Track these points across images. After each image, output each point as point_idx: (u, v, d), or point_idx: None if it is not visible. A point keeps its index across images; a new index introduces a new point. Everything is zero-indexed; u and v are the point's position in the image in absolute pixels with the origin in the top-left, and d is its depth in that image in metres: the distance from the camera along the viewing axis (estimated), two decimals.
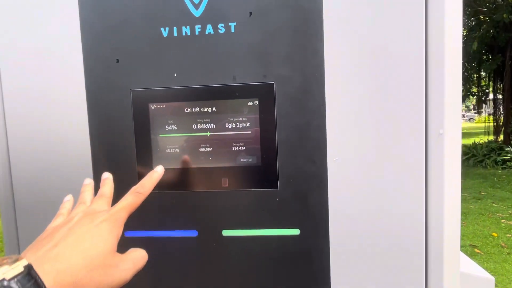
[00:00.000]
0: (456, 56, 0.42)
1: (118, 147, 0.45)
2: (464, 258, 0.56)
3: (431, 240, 0.43)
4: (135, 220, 0.45)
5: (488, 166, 5.59)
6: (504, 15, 5.30)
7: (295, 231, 0.44)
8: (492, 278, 0.52)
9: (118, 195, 0.40)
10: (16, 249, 0.48)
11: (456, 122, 0.43)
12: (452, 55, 0.41)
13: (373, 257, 0.43)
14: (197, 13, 0.42)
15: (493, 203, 3.65)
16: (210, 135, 0.44)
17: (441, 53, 0.40)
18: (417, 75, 0.41)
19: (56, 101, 0.45)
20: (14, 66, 0.45)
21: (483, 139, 7.14)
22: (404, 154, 0.42)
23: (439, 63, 0.41)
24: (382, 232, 0.42)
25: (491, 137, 7.37)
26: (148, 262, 0.46)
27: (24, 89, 0.45)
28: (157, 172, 0.37)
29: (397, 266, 0.43)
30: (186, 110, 0.44)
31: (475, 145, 6.40)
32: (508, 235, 2.87)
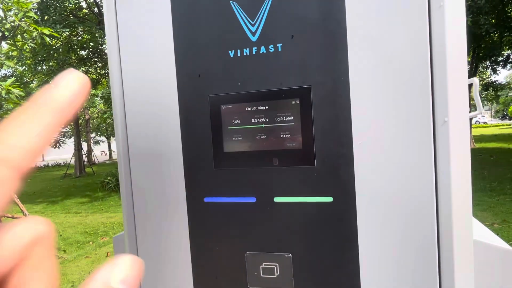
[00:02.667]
0: (460, 57, 0.52)
1: (200, 137, 0.63)
2: (482, 228, 0.63)
3: (441, 208, 0.53)
4: (212, 189, 0.62)
5: None
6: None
7: (329, 199, 0.57)
8: (510, 248, 0.58)
9: (197, 173, 0.58)
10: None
11: (462, 111, 0.53)
12: (454, 57, 0.51)
13: (390, 219, 0.54)
14: (254, 38, 0.59)
15: None
16: (264, 126, 0.59)
17: (443, 60, 0.51)
18: (423, 75, 0.52)
19: (158, 104, 0.65)
20: (133, 77, 0.66)
21: None
22: (415, 138, 0.53)
23: (442, 68, 0.51)
24: (398, 199, 0.54)
25: None
26: (220, 221, 0.63)
27: (143, 96, 0.65)
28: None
29: (411, 229, 0.54)
30: (247, 109, 0.60)
31: None
32: None
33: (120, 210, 6.26)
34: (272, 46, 0.58)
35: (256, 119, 0.59)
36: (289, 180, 0.59)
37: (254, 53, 0.58)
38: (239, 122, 0.60)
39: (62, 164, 16.39)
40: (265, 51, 0.58)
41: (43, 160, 22.30)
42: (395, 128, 0.53)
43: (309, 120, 0.57)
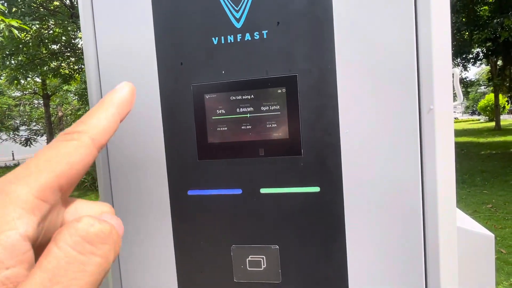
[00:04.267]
0: (444, 46, 0.52)
1: (182, 127, 0.60)
2: (464, 216, 0.64)
3: (427, 197, 0.53)
4: (196, 182, 0.60)
5: None
6: None
7: (316, 189, 0.56)
8: (492, 235, 0.60)
9: (180, 165, 0.55)
10: None
11: (447, 100, 0.53)
12: (439, 46, 0.52)
13: (377, 208, 0.54)
14: (238, 25, 0.57)
15: None
16: (249, 116, 0.58)
17: (429, 48, 0.51)
18: (409, 63, 0.52)
19: (138, 94, 0.62)
20: (111, 66, 0.63)
21: None
22: (401, 126, 0.53)
23: (427, 56, 0.51)
24: (384, 188, 0.54)
25: None
26: (205, 214, 0.61)
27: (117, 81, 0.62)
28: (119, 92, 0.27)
29: (397, 218, 0.54)
30: (231, 98, 0.58)
31: None
32: None
33: None
34: (257, 33, 0.56)
35: (241, 109, 0.58)
36: (275, 170, 0.58)
37: (238, 40, 0.57)
38: (224, 111, 0.59)
39: None
40: (250, 38, 0.56)
41: (13, 158, 21.36)
42: (381, 116, 0.53)
43: (296, 109, 0.56)
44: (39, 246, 0.21)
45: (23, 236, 0.19)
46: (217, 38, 0.57)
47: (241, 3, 0.56)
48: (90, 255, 0.19)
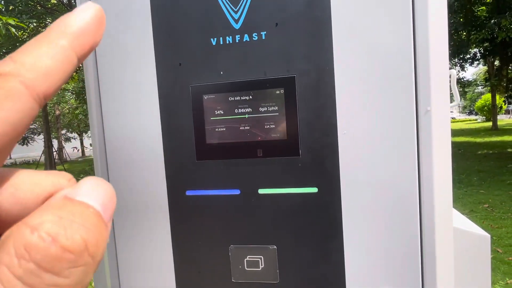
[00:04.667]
0: (442, 47, 0.53)
1: (181, 128, 0.61)
2: (460, 216, 0.65)
3: (423, 196, 0.54)
4: (194, 182, 0.60)
5: None
6: None
7: (314, 189, 0.57)
8: (488, 235, 0.61)
9: (178, 165, 0.56)
10: None
11: (444, 101, 0.53)
12: (436, 48, 0.52)
13: (374, 208, 0.55)
14: (237, 26, 0.57)
15: None
16: (248, 117, 0.58)
17: (426, 50, 0.51)
18: (407, 65, 0.52)
19: (137, 94, 0.62)
20: (109, 65, 0.63)
21: None
22: (398, 127, 0.53)
23: (425, 57, 0.52)
24: (382, 189, 0.54)
25: None
26: (203, 214, 0.61)
27: (118, 84, 0.62)
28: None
29: (394, 218, 0.54)
30: (230, 98, 0.58)
31: None
32: None
33: None
34: (256, 34, 0.56)
35: (239, 109, 0.58)
36: (273, 171, 0.58)
37: (237, 41, 0.57)
38: (222, 112, 0.59)
39: (31, 161, 15.70)
40: (248, 39, 0.56)
41: (10, 157, 21.27)
42: (379, 117, 0.53)
43: (294, 110, 0.56)
44: None
45: None
46: (215, 38, 0.58)
47: (239, 4, 0.56)
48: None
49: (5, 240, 0.13)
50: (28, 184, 0.16)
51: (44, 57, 0.16)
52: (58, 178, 0.17)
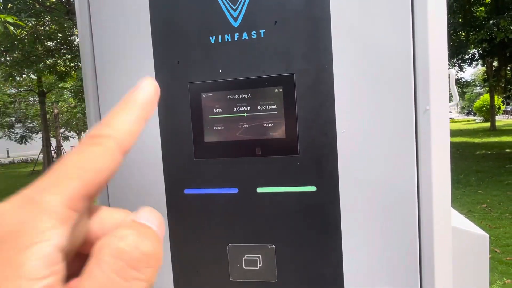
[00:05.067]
0: (441, 47, 0.53)
1: (179, 126, 0.60)
2: (459, 216, 0.65)
3: (422, 196, 0.54)
4: (192, 180, 0.60)
5: None
6: None
7: (312, 188, 0.57)
8: (486, 235, 0.61)
9: (176, 163, 0.55)
10: None
11: (442, 100, 0.53)
12: (435, 47, 0.52)
13: (373, 207, 0.55)
14: (235, 24, 0.57)
15: None
16: (246, 115, 0.58)
17: (425, 49, 0.51)
18: (406, 64, 0.52)
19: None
20: (107, 64, 0.62)
21: None
22: (397, 126, 0.53)
23: (424, 57, 0.51)
24: (380, 188, 0.54)
25: None
26: (201, 213, 0.61)
27: (116, 82, 0.62)
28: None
29: (393, 217, 0.54)
30: (228, 97, 0.58)
31: None
32: None
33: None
34: (255, 32, 0.56)
35: (238, 108, 0.58)
36: (272, 170, 0.58)
37: (236, 39, 0.57)
38: (221, 110, 0.58)
39: (29, 160, 15.64)
40: (247, 37, 0.56)
41: (8, 156, 21.21)
42: (378, 116, 0.53)
43: (293, 109, 0.56)
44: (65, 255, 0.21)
45: (57, 247, 0.19)
46: (214, 36, 0.57)
47: (238, 2, 0.56)
48: (134, 280, 0.19)
49: (101, 248, 0.19)
50: (108, 217, 0.23)
51: (128, 123, 0.23)
52: (124, 214, 0.24)
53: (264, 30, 0.56)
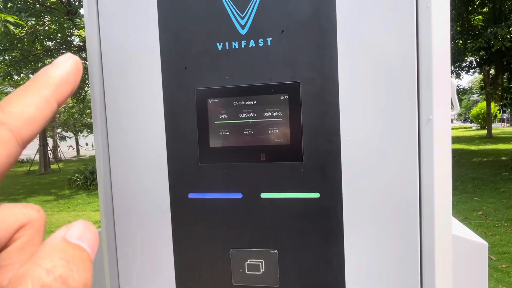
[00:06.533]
0: (444, 56, 0.54)
1: (185, 130, 0.61)
2: (459, 224, 0.66)
3: (424, 205, 0.54)
4: (197, 185, 0.61)
5: None
6: None
7: (316, 195, 0.57)
8: (486, 243, 0.62)
9: (181, 168, 0.56)
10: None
11: (445, 110, 0.54)
12: (439, 57, 0.53)
13: (375, 215, 0.55)
14: (243, 32, 0.58)
15: None
16: (252, 121, 0.59)
17: (429, 59, 0.52)
18: (410, 73, 0.53)
19: (141, 96, 0.62)
20: (115, 68, 0.63)
21: None
22: (400, 135, 0.54)
23: (428, 66, 0.53)
24: (383, 196, 0.55)
25: None
26: (205, 217, 0.61)
27: (123, 86, 0.62)
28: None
29: (395, 225, 0.55)
30: (234, 103, 0.59)
31: None
32: None
33: (89, 208, 6.06)
34: (262, 40, 0.57)
35: (243, 114, 0.58)
36: (276, 175, 0.58)
37: (243, 46, 0.57)
38: (226, 116, 0.59)
39: (25, 160, 15.56)
40: (254, 45, 0.57)
41: None
42: (381, 125, 0.54)
43: (298, 116, 0.57)
44: None
45: None
46: (221, 43, 0.58)
47: (246, 10, 0.57)
48: None
49: (22, 278, 0.16)
50: (2, 215, 0.19)
51: (29, 106, 0.18)
52: (28, 210, 0.20)
53: (271, 38, 0.56)
